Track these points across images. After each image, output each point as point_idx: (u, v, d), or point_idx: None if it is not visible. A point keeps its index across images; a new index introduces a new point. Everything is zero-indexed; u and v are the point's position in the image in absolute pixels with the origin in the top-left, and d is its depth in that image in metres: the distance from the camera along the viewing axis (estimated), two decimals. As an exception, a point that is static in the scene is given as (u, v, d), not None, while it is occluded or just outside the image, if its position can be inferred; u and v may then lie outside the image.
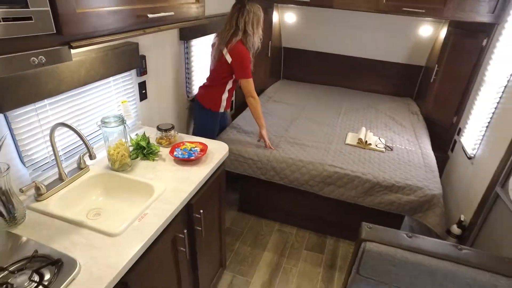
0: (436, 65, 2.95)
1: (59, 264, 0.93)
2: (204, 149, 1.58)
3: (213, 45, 2.19)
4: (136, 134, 1.61)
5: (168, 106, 2.16)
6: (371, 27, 3.36)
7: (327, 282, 2.11)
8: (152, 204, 1.23)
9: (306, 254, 2.32)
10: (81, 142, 1.47)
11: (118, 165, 1.41)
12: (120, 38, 1.01)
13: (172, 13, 1.21)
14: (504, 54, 2.13)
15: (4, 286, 0.85)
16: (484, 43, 2.39)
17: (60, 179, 1.28)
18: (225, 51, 2.04)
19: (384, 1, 2.48)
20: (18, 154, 1.19)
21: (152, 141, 1.64)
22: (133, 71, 1.71)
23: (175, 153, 1.53)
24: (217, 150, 1.64)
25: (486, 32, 2.38)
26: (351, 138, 2.51)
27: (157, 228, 1.13)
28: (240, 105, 3.11)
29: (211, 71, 2.21)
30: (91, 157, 1.17)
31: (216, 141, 1.74)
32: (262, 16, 2.09)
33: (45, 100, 1.22)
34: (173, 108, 2.23)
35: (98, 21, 0.91)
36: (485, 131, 2.19)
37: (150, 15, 1.09)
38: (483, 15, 2.28)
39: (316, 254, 2.31)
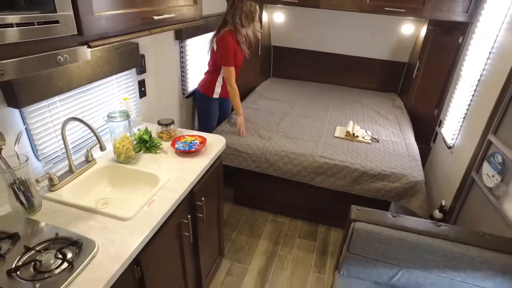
0: (418, 62, 3.12)
1: (79, 244, 1.03)
2: (203, 141, 1.69)
3: (211, 39, 2.39)
4: (138, 129, 1.70)
5: (165, 103, 2.25)
6: (357, 26, 3.52)
7: (320, 267, 2.24)
8: (159, 192, 1.33)
9: (300, 241, 2.44)
10: (87, 138, 1.56)
11: (123, 157, 1.50)
12: (130, 38, 1.11)
13: (173, 15, 1.32)
14: (477, 51, 2.30)
15: (33, 263, 0.94)
16: (460, 40, 2.56)
17: (70, 171, 1.37)
18: (214, 40, 2.30)
19: (367, 1, 2.63)
20: (32, 148, 1.27)
21: (154, 135, 1.73)
22: (134, 70, 1.80)
23: (176, 145, 1.63)
24: (215, 143, 1.75)
25: (461, 30, 2.56)
26: (339, 131, 2.65)
27: (165, 212, 1.23)
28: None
29: (208, 61, 2.44)
30: (102, 148, 1.26)
31: (214, 134, 1.85)
32: (253, 11, 2.26)
33: (56, 97, 1.30)
34: (170, 104, 2.33)
35: (112, 23, 1.00)
36: (462, 122, 2.36)
37: (155, 17, 1.19)
38: (458, 15, 2.45)
39: (309, 242, 2.45)
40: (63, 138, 1.30)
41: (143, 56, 1.84)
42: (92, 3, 0.90)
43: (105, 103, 1.64)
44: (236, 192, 2.73)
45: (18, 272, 0.92)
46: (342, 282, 1.54)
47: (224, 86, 2.42)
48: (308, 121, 2.83)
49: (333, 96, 3.49)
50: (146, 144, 1.62)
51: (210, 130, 2.54)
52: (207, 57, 2.45)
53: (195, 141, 1.68)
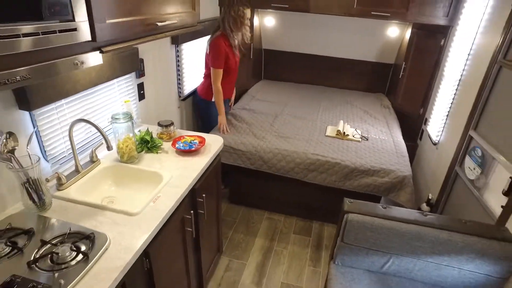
0: (404, 63, 3.26)
1: (92, 238, 1.09)
2: (202, 141, 1.76)
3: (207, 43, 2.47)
4: (139, 131, 1.77)
5: (163, 105, 2.32)
6: (345, 29, 3.65)
7: (315, 260, 2.33)
8: (163, 189, 1.40)
9: (295, 237, 2.53)
10: (91, 139, 1.62)
11: (126, 157, 1.57)
12: (137, 43, 1.19)
13: (175, 21, 1.39)
14: (457, 52, 2.45)
15: (50, 255, 1.00)
16: (442, 42, 2.71)
17: (77, 171, 1.43)
18: (207, 44, 2.39)
19: (354, 6, 2.76)
20: (40, 149, 1.33)
21: (154, 136, 1.80)
22: (133, 73, 1.87)
23: (177, 145, 1.70)
24: (213, 142, 1.83)
25: (443, 33, 2.71)
26: (330, 131, 2.76)
27: (170, 207, 1.30)
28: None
29: (204, 65, 2.53)
30: (108, 148, 1.32)
31: (212, 134, 1.93)
32: (241, 15, 2.35)
33: (63, 99, 1.36)
34: (168, 106, 2.40)
35: (121, 29, 1.07)
36: (446, 120, 2.50)
37: (159, 23, 1.26)
38: (439, 18, 2.60)
39: (304, 237, 2.54)
40: (70, 139, 1.36)
41: (142, 60, 1.91)
42: (104, 11, 0.98)
43: (108, 106, 1.70)
44: (232, 191, 2.81)
45: (37, 264, 0.98)
46: (337, 272, 1.63)
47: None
48: (300, 121, 2.93)
49: (323, 97, 3.61)
50: (147, 144, 1.69)
51: None
52: (203, 61, 2.52)
53: (195, 141, 1.76)
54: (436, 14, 2.59)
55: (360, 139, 2.65)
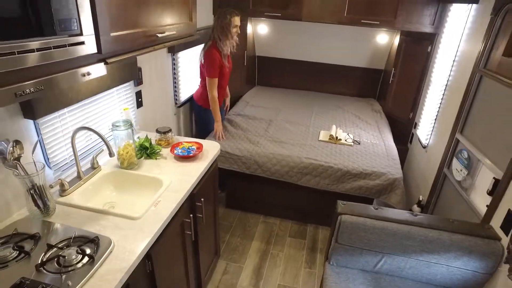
0: (393, 69, 3.37)
1: (97, 241, 1.13)
2: (200, 147, 1.82)
3: (201, 53, 2.53)
4: (138, 137, 1.81)
5: (160, 112, 2.37)
6: (336, 36, 3.76)
7: (310, 262, 2.38)
8: (164, 193, 1.44)
9: (290, 240, 2.59)
10: (91, 146, 1.66)
11: (126, 163, 1.61)
12: (138, 54, 1.24)
13: (174, 32, 1.45)
14: (443, 59, 2.56)
15: (57, 258, 1.04)
16: (429, 49, 2.82)
17: (78, 177, 1.47)
18: (202, 54, 2.47)
19: (345, 14, 2.85)
20: (44, 157, 1.37)
21: (153, 143, 1.85)
22: (131, 82, 1.92)
23: (175, 151, 1.75)
24: (210, 148, 1.88)
25: (430, 40, 2.82)
26: (323, 135, 2.84)
27: (171, 211, 1.35)
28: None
29: (199, 74, 2.60)
30: (111, 154, 1.37)
31: (209, 140, 1.98)
32: (228, 23, 2.39)
33: (65, 108, 1.41)
34: (165, 113, 2.45)
35: (124, 41, 1.13)
36: (434, 123, 2.59)
37: (159, 35, 1.32)
38: (426, 26, 2.71)
39: (299, 240, 2.59)
40: (73, 146, 1.40)
41: (140, 69, 1.96)
42: (109, 25, 1.03)
43: (107, 113, 1.74)
44: (228, 196, 2.85)
45: (45, 266, 1.01)
46: (332, 272, 1.69)
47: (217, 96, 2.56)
48: (294, 127, 3.00)
49: (316, 103, 3.69)
50: (146, 150, 1.74)
51: None
52: (198, 69, 2.58)
53: (192, 146, 1.81)
54: (423, 22, 2.70)
55: (352, 143, 2.73)
